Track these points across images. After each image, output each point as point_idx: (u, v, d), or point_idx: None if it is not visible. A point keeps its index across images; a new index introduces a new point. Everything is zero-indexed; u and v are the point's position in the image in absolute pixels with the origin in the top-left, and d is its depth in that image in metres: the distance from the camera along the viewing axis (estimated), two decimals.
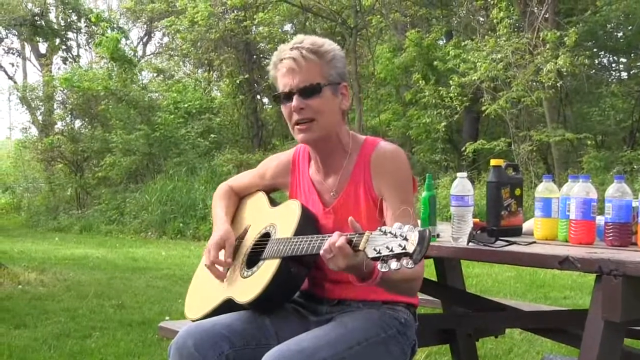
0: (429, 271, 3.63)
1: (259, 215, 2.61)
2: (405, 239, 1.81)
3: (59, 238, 14.60)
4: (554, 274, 7.95)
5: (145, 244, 13.26)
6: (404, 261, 1.80)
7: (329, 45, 2.39)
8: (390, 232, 1.86)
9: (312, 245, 2.18)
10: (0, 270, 7.63)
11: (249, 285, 2.37)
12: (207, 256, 2.50)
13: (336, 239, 2.00)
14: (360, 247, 1.91)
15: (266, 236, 2.47)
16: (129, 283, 7.95)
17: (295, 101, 2.34)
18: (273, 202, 2.65)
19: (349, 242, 1.97)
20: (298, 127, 2.37)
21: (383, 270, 1.83)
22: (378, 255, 1.84)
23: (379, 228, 1.90)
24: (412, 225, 1.85)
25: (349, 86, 2.45)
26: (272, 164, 2.69)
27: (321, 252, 2.03)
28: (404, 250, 1.80)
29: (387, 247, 1.83)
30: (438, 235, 2.78)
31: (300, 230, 2.32)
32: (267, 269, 2.33)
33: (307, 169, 2.55)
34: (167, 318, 5.65)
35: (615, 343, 2.27)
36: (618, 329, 2.25)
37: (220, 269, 2.50)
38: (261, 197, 2.69)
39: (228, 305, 2.43)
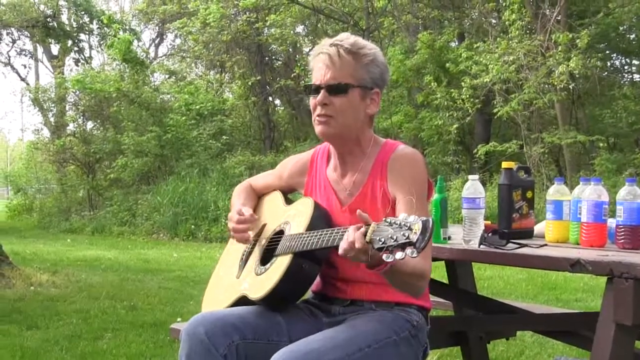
0: (441, 273, 3.63)
1: (274, 214, 2.64)
2: (410, 228, 1.84)
3: (71, 239, 14.67)
4: (565, 276, 7.91)
5: (157, 246, 13.29)
6: (408, 250, 1.82)
7: (369, 49, 2.39)
8: (395, 223, 1.88)
9: (322, 239, 2.19)
10: (12, 271, 7.65)
11: (262, 282, 2.39)
12: (232, 221, 2.60)
13: (353, 236, 1.98)
14: (367, 239, 1.93)
15: (280, 234, 2.49)
16: (141, 285, 7.98)
17: (320, 95, 2.39)
18: (288, 201, 2.68)
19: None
20: (318, 119, 2.42)
21: (388, 260, 1.85)
22: (383, 245, 1.86)
23: (384, 219, 1.92)
24: (417, 216, 1.86)
25: (381, 94, 2.45)
26: (289, 163, 2.73)
27: (340, 251, 2.02)
28: (407, 240, 1.82)
29: (392, 238, 1.85)
30: (449, 238, 2.78)
31: (312, 226, 2.34)
32: (279, 266, 2.35)
33: (324, 168, 2.58)
34: (179, 320, 5.67)
35: (626, 346, 2.26)
36: (629, 332, 2.25)
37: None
38: (277, 196, 2.72)
39: (242, 303, 2.45)
